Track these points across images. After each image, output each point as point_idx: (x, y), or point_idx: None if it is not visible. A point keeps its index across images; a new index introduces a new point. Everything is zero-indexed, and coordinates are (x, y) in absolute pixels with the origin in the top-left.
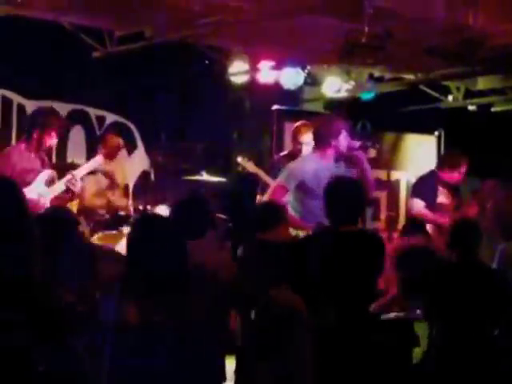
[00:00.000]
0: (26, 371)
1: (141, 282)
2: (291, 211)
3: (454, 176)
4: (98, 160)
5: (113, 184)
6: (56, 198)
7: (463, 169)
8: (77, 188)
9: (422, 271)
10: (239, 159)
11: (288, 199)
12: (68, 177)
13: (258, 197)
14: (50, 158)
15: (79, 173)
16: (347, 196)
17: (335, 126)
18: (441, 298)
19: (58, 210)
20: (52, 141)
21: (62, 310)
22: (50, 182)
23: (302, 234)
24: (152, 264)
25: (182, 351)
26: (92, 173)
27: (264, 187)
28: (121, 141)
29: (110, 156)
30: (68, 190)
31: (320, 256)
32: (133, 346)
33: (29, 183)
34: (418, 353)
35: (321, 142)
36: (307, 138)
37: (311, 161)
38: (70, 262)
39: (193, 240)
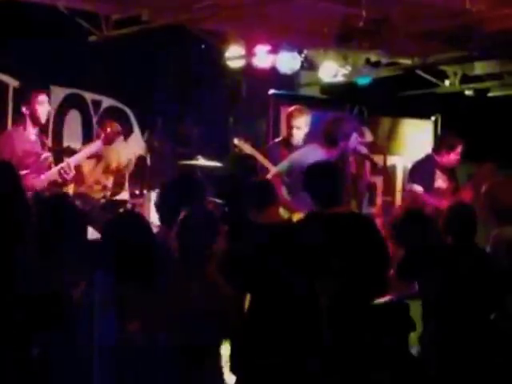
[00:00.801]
0: (22, 354)
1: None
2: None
3: (452, 158)
4: (97, 145)
5: (106, 168)
6: (50, 182)
7: (459, 149)
8: (69, 176)
9: (418, 254)
10: (236, 141)
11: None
12: (62, 164)
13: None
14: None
15: (75, 160)
16: (327, 177)
17: (347, 129)
18: (436, 283)
19: (58, 197)
20: (44, 108)
21: (58, 296)
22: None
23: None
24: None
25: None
26: (87, 157)
27: (261, 169)
28: (119, 127)
29: (109, 141)
30: (60, 177)
31: (313, 240)
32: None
33: (28, 166)
34: (413, 337)
35: (329, 141)
36: (299, 122)
37: (313, 154)
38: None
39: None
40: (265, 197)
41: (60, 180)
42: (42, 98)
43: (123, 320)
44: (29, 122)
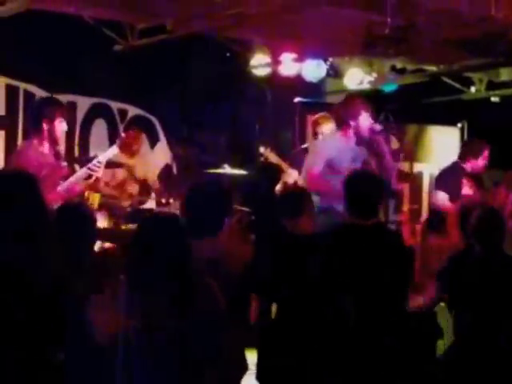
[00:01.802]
0: (44, 362)
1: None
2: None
3: (479, 163)
4: (113, 150)
5: (131, 177)
6: (78, 184)
7: (485, 154)
8: (99, 173)
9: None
10: (262, 149)
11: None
12: (87, 167)
13: (277, 187)
14: (71, 152)
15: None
16: (365, 190)
17: (355, 107)
18: (463, 290)
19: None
20: (62, 128)
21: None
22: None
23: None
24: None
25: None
26: (109, 166)
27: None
28: (139, 134)
29: (126, 147)
30: (90, 177)
31: (337, 251)
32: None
33: (43, 178)
34: (441, 345)
35: (340, 123)
36: (325, 129)
37: (334, 139)
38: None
39: (208, 235)
40: (299, 207)
41: (90, 177)
42: (63, 116)
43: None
44: (45, 137)
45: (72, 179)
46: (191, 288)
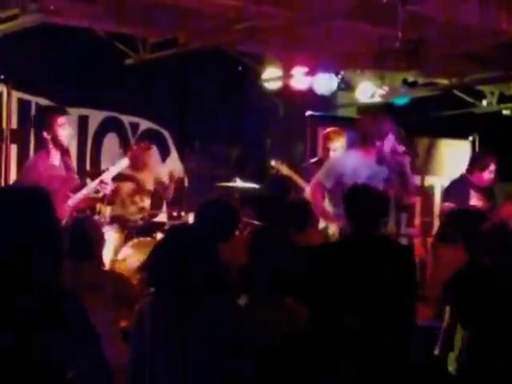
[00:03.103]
0: (57, 378)
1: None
2: (327, 205)
3: (484, 177)
4: (123, 163)
5: (140, 190)
6: (86, 199)
7: (492, 167)
8: (107, 190)
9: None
10: (273, 162)
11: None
12: (98, 179)
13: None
14: (82, 165)
15: (108, 176)
16: (364, 204)
17: (383, 128)
18: (470, 303)
19: (83, 222)
20: (65, 132)
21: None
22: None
23: (332, 228)
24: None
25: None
26: (118, 179)
27: (297, 191)
28: (149, 148)
29: (135, 161)
30: (98, 192)
31: (338, 262)
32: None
33: (54, 191)
34: (451, 358)
35: (365, 141)
36: (336, 145)
37: (352, 157)
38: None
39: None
40: (304, 219)
41: (98, 194)
42: (62, 120)
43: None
44: (51, 147)
45: (79, 195)
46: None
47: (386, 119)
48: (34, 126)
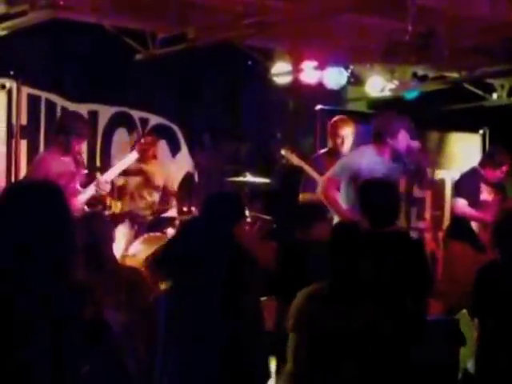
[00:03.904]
0: (75, 372)
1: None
2: (341, 202)
3: (496, 174)
4: (132, 156)
5: (148, 184)
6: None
7: (505, 168)
8: (105, 191)
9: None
10: (283, 152)
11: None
12: (98, 179)
13: (301, 195)
14: (92, 161)
15: (111, 174)
16: (381, 199)
17: (394, 125)
18: (485, 299)
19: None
20: (80, 146)
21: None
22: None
23: None
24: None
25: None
26: (127, 174)
27: (307, 181)
28: (156, 140)
29: (143, 152)
30: (97, 192)
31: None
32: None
33: (63, 186)
34: (464, 352)
35: (378, 139)
36: (346, 131)
37: (367, 154)
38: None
39: None
40: (312, 214)
41: (97, 195)
42: (83, 139)
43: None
44: (64, 149)
45: (89, 191)
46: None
47: (397, 116)
48: (56, 128)
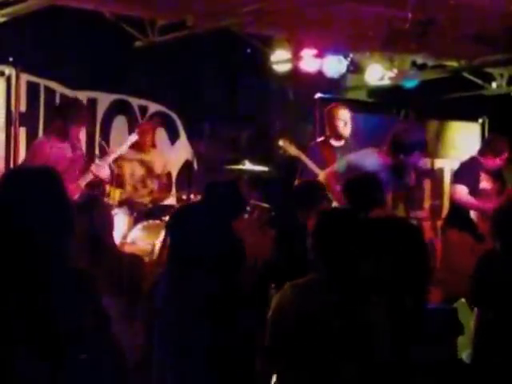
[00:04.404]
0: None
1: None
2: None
3: (496, 162)
4: (132, 138)
5: (150, 173)
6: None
7: (505, 155)
8: (104, 176)
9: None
10: (281, 142)
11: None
12: (95, 162)
13: (296, 182)
14: (91, 148)
15: (108, 159)
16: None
17: (411, 144)
18: (485, 288)
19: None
20: (78, 131)
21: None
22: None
23: None
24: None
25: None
26: (128, 161)
27: (305, 169)
28: (157, 124)
29: (143, 137)
30: (94, 176)
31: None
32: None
33: (62, 171)
34: (462, 341)
35: (389, 150)
36: (344, 116)
37: (372, 158)
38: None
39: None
40: (314, 198)
41: (96, 179)
42: (82, 126)
43: None
44: (63, 136)
45: (88, 176)
46: None
47: (417, 132)
48: (56, 115)
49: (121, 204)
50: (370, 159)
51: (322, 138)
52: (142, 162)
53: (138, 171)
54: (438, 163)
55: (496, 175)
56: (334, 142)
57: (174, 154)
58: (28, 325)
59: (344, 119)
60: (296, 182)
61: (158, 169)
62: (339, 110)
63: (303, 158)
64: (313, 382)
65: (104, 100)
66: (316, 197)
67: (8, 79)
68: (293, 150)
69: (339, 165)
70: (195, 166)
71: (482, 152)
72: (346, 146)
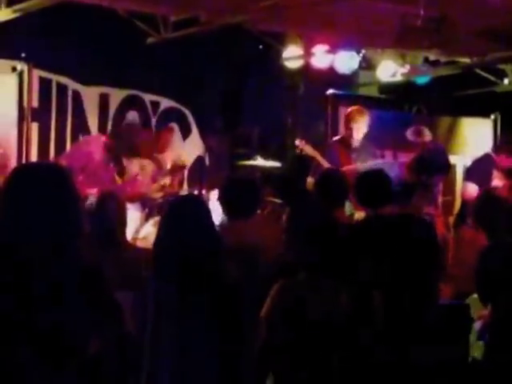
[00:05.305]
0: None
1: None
2: None
3: (510, 161)
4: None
5: (161, 171)
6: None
7: None
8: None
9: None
10: (297, 141)
11: None
12: None
13: (309, 179)
14: None
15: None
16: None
17: (436, 168)
18: (487, 281)
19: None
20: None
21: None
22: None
23: (358, 214)
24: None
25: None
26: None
27: (318, 166)
28: (172, 130)
29: (157, 143)
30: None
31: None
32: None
33: (103, 175)
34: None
35: (415, 168)
36: (359, 124)
37: (395, 170)
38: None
39: (241, 219)
40: (339, 197)
41: None
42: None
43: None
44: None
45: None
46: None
47: (443, 156)
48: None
49: (132, 199)
50: (395, 169)
51: (337, 138)
52: (155, 161)
53: (149, 169)
54: (450, 159)
55: (508, 173)
56: (350, 143)
57: (185, 150)
58: (35, 326)
59: (358, 128)
60: (309, 179)
61: (171, 164)
62: (355, 118)
63: (319, 158)
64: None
65: (116, 95)
66: (343, 197)
67: (20, 75)
68: (309, 150)
69: (363, 166)
70: (207, 161)
71: (496, 150)
72: (362, 148)
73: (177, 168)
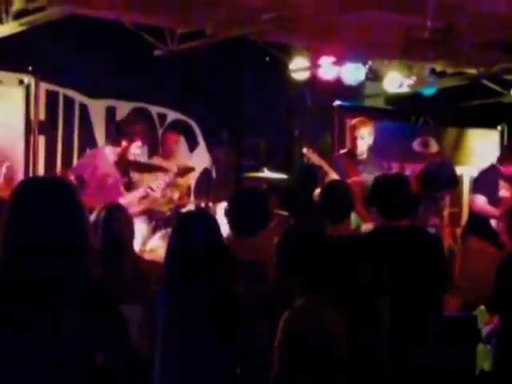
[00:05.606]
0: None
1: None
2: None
3: None
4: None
5: (172, 183)
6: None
7: None
8: (158, 193)
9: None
10: (304, 150)
11: None
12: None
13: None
14: None
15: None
16: (394, 189)
17: (443, 183)
18: (504, 293)
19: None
20: (137, 150)
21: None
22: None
23: (366, 226)
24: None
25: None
26: (148, 171)
27: (325, 180)
28: (178, 137)
29: (163, 150)
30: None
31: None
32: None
33: (109, 188)
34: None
35: (423, 182)
36: (363, 133)
37: None
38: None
39: (250, 234)
40: (345, 209)
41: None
42: (141, 144)
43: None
44: (119, 153)
45: (131, 196)
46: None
47: (451, 171)
48: (79, 116)
49: (140, 212)
50: None
51: (344, 150)
52: (167, 172)
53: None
54: (457, 171)
55: None
56: (356, 154)
57: (192, 162)
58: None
59: (362, 136)
60: (317, 191)
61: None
62: (358, 127)
63: (326, 167)
64: None
65: (123, 108)
66: (348, 210)
67: (27, 88)
68: (316, 159)
69: (367, 176)
70: (214, 173)
71: (501, 160)
72: (369, 160)
73: (185, 170)
